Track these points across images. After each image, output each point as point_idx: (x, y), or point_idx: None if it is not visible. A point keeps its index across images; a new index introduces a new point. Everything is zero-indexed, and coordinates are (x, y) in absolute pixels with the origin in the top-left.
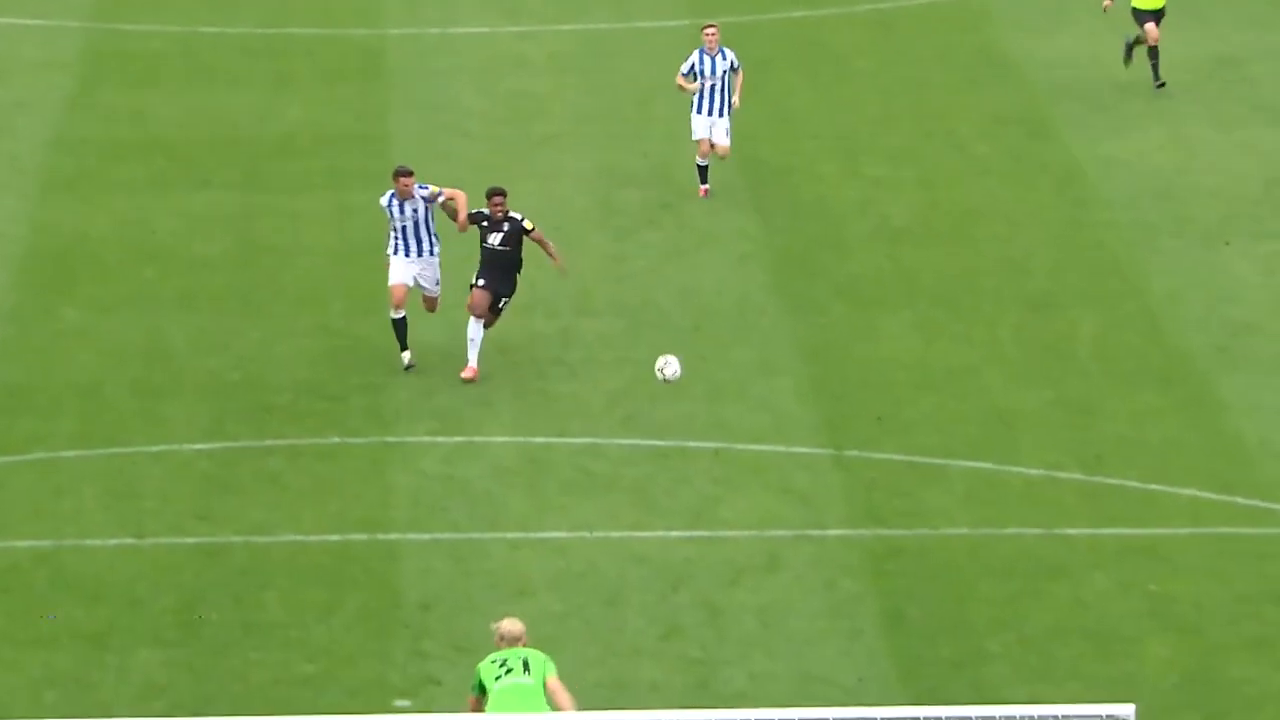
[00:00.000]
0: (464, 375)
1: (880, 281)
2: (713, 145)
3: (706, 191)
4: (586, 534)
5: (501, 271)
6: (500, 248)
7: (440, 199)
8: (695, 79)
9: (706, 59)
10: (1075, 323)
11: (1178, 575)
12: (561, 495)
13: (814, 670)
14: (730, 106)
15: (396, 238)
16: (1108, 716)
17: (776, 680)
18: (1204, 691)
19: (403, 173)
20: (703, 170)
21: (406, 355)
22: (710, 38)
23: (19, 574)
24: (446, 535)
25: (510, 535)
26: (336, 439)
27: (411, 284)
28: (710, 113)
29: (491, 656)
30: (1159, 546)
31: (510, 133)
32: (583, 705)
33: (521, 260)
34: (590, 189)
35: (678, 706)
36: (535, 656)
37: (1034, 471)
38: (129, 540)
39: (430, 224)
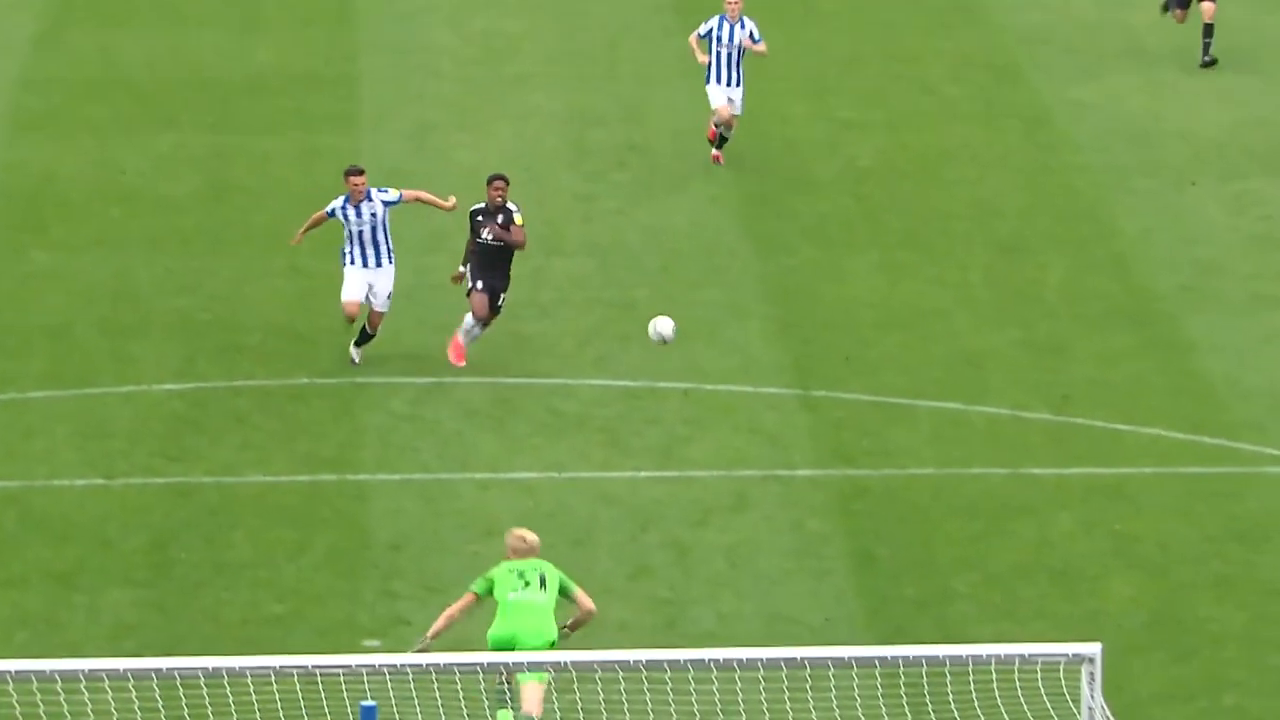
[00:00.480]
0: (454, 359)
1: (848, 223)
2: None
3: (719, 158)
4: (556, 474)
5: (500, 267)
6: (495, 242)
7: (401, 201)
8: (711, 45)
9: (726, 25)
10: (1044, 265)
11: (1143, 515)
12: (531, 435)
13: (782, 610)
14: (742, 78)
15: (351, 245)
16: (1073, 655)
17: (744, 620)
18: (1169, 630)
19: (354, 172)
20: (720, 138)
21: (356, 351)
22: (732, 7)
23: None
24: (416, 476)
25: (480, 476)
26: (306, 380)
27: (364, 300)
28: (727, 82)
29: (509, 565)
30: (1125, 486)
31: (482, 73)
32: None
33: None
34: (561, 129)
35: (646, 646)
36: (550, 571)
37: (1001, 411)
38: (99, 480)
39: (388, 229)
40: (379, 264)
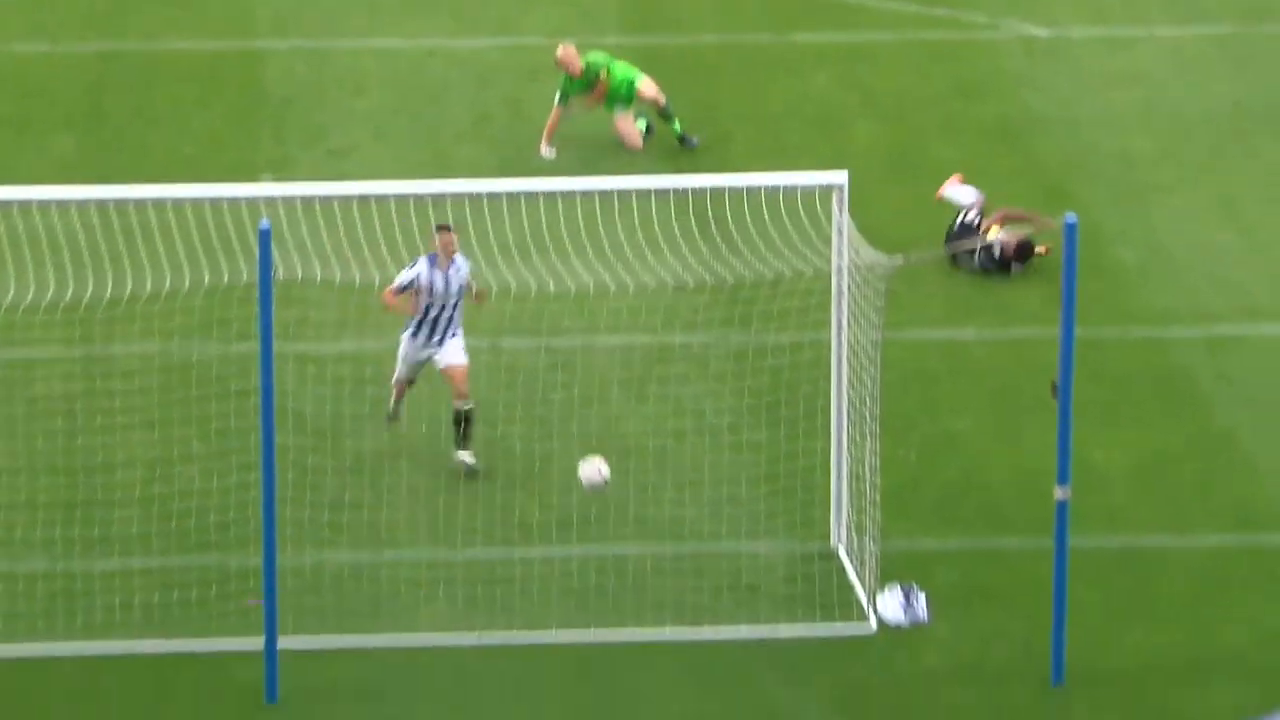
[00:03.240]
0: None
1: None
2: None
3: None
4: (420, 41)
5: None
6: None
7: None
8: None
9: None
10: None
11: (885, 73)
12: (395, 12)
13: (592, 162)
14: None
15: (418, 319)
16: (826, 183)
17: (563, 163)
18: (904, 164)
19: (442, 228)
20: None
21: (467, 454)
22: None
23: None
24: (301, 42)
25: (352, 43)
26: None
27: (414, 377)
28: None
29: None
30: (870, 49)
31: None
32: (414, 175)
33: None
34: None
35: (489, 177)
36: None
37: None
38: (44, 47)
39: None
40: (442, 341)
